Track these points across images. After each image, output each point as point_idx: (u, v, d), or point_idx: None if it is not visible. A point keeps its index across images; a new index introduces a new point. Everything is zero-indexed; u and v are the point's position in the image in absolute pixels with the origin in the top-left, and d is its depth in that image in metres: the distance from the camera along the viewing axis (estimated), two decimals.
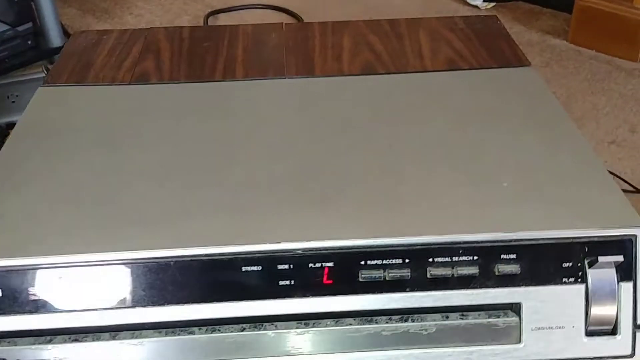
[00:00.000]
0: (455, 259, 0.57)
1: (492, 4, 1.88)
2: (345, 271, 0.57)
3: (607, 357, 0.58)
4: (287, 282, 0.57)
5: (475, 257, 0.57)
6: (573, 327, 0.57)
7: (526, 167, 0.65)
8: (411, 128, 0.72)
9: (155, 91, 0.80)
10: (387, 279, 0.57)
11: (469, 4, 1.88)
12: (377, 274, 0.57)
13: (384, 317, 0.58)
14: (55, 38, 1.82)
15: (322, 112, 0.76)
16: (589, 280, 0.57)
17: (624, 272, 0.57)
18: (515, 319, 0.57)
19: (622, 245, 0.57)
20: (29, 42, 1.86)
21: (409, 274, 0.57)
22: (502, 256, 0.57)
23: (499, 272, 0.57)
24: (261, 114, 0.76)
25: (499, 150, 0.68)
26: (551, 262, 0.57)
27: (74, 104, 0.79)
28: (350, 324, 0.57)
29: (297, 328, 0.57)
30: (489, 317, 0.58)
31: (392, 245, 0.57)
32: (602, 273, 0.56)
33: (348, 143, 0.70)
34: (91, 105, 0.78)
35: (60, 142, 0.71)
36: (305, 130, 0.73)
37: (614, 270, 0.56)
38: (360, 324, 0.57)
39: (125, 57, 0.87)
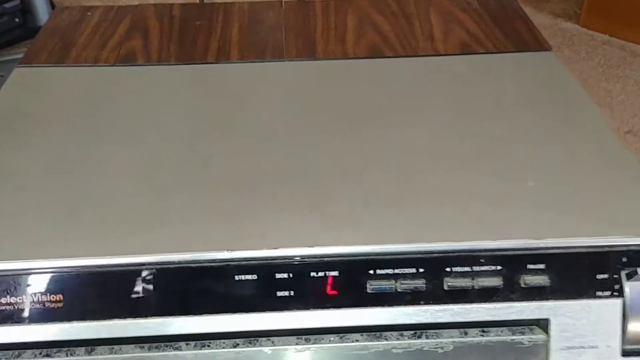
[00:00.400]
0: (475, 268, 0.50)
1: None
2: (351, 281, 0.50)
3: None
4: (286, 293, 0.50)
5: (499, 267, 0.50)
6: (608, 346, 0.51)
7: (553, 165, 0.58)
8: (422, 118, 0.66)
9: (142, 73, 0.73)
10: (398, 290, 0.50)
11: None
12: (388, 284, 0.50)
13: (394, 333, 0.51)
14: (43, 15, 1.75)
15: (324, 99, 0.69)
16: (627, 294, 0.50)
17: None
18: (542, 336, 0.51)
19: None
20: (16, 20, 1.78)
21: (424, 285, 0.50)
22: (529, 266, 0.50)
23: (525, 284, 0.50)
24: (257, 100, 0.69)
25: (521, 145, 0.61)
26: (584, 274, 0.50)
27: (53, 86, 0.72)
28: (357, 340, 0.51)
29: (296, 344, 0.51)
30: (512, 334, 0.51)
31: (404, 253, 0.50)
32: None
33: (353, 134, 0.63)
34: (71, 88, 0.71)
35: (36, 130, 0.64)
36: (306, 119, 0.66)
37: None
38: (368, 341, 0.51)
39: (110, 36, 0.80)
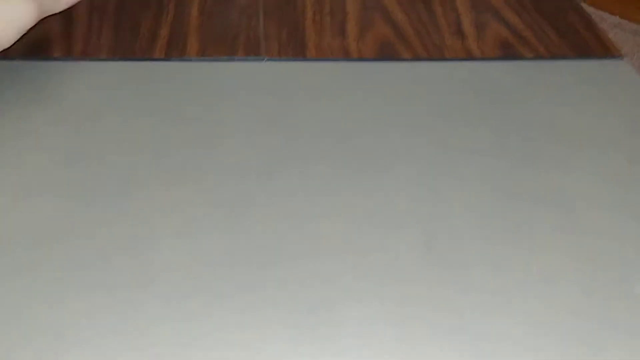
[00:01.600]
0: None
1: None
2: None
3: None
4: None
5: None
6: None
7: None
8: (464, 160, 0.46)
9: (60, 73, 0.52)
10: None
11: None
12: None
13: None
14: None
15: (320, 120, 0.48)
16: None
17: None
18: None
19: None
20: None
21: None
22: None
23: None
24: (226, 121, 0.48)
25: (615, 214, 0.42)
26: None
27: None
28: None
29: None
30: None
31: None
32: None
33: (365, 185, 0.43)
34: None
35: None
36: (296, 155, 0.46)
37: None
38: None
39: None
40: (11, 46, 0.52)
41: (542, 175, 0.45)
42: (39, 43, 0.54)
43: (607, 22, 1.38)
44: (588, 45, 0.58)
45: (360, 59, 0.55)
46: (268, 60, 0.54)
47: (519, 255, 0.39)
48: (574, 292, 0.38)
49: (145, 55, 0.54)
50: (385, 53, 0.56)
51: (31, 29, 0.53)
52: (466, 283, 0.38)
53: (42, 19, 0.53)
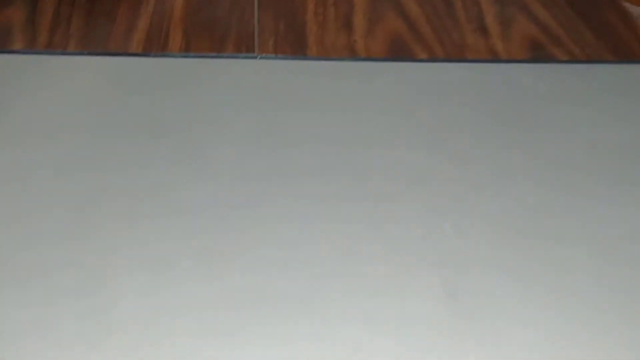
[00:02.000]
0: None
1: None
2: None
3: None
4: None
5: None
6: None
7: None
8: (487, 184, 0.39)
9: (22, 68, 0.44)
10: None
11: None
12: None
13: None
14: None
15: (322, 131, 0.41)
16: None
17: None
18: None
19: None
20: None
21: None
22: None
23: None
24: (212, 128, 0.41)
25: None
26: None
27: None
28: None
29: None
30: None
31: None
32: None
33: (374, 215, 0.36)
34: None
35: None
36: (291, 171, 0.39)
37: None
38: None
39: None
40: None
41: (580, 206, 0.38)
42: None
43: (630, 12, 1.30)
44: (629, 46, 0.51)
45: (368, 58, 0.48)
46: (262, 58, 0.47)
47: (551, 308, 0.33)
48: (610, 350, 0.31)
49: (120, 49, 0.46)
50: (397, 52, 0.49)
51: None
52: (491, 334, 0.31)
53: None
